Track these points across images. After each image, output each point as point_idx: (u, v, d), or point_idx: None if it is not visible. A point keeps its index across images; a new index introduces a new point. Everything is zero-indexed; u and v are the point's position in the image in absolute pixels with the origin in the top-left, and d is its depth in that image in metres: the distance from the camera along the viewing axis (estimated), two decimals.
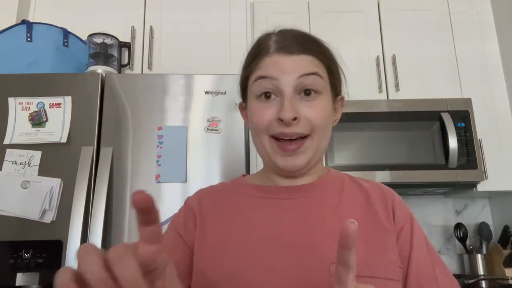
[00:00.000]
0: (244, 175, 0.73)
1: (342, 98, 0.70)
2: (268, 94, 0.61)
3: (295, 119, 0.58)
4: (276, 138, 0.61)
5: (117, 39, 1.82)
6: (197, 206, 0.66)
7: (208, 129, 1.48)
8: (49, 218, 1.34)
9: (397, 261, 0.60)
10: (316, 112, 0.60)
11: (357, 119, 1.77)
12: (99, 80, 1.50)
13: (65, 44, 1.75)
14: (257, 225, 0.60)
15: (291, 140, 0.60)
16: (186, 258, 0.61)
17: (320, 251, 0.56)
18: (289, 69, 0.60)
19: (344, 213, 0.61)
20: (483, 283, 1.77)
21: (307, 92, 0.60)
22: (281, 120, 0.58)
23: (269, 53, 0.62)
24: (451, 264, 2.07)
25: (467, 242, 1.97)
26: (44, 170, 1.38)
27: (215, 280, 0.56)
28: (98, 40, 1.78)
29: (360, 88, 1.92)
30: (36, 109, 1.45)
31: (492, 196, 2.08)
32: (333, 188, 0.66)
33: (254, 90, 0.62)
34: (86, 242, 1.32)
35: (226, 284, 0.56)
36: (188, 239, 0.62)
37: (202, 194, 0.69)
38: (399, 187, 1.87)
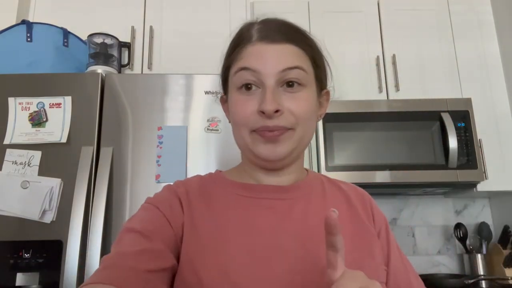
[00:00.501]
0: (220, 171, 0.70)
1: (328, 92, 0.67)
2: (249, 86, 0.58)
3: (277, 111, 0.55)
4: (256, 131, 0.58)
5: (117, 39, 1.82)
6: (184, 195, 0.61)
7: (208, 129, 1.48)
8: (49, 218, 1.34)
9: (382, 263, 0.60)
10: (299, 104, 0.58)
11: (357, 119, 1.77)
12: (99, 80, 1.50)
13: (65, 44, 1.75)
14: (253, 229, 0.57)
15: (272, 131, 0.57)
16: (172, 240, 0.56)
17: (317, 256, 0.54)
18: (271, 60, 0.57)
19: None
20: (483, 283, 1.77)
21: (289, 84, 0.58)
22: (262, 112, 0.55)
23: (251, 42, 0.59)
24: (451, 264, 2.07)
25: (467, 242, 1.97)
26: (44, 170, 1.38)
27: (209, 282, 0.53)
28: (98, 40, 1.78)
29: (360, 88, 1.92)
30: (36, 109, 1.45)
31: (492, 196, 2.08)
32: (316, 189, 0.64)
33: (235, 81, 0.60)
34: (86, 242, 1.32)
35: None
36: (174, 223, 0.57)
37: (187, 185, 0.64)
38: (399, 187, 1.87)
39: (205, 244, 0.56)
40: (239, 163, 0.69)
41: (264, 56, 0.58)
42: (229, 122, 0.66)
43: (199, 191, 0.63)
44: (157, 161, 1.43)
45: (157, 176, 1.42)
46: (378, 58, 1.95)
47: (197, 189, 0.63)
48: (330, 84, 0.68)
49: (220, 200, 0.61)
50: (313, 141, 1.80)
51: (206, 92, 1.51)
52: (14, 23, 1.79)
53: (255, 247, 0.55)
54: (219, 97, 0.70)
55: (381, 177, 1.72)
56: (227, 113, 0.67)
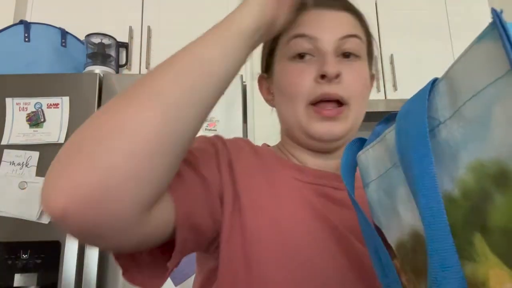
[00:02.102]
0: (268, 145, 0.63)
1: (373, 76, 0.63)
2: (302, 55, 0.54)
3: (337, 76, 0.51)
4: (313, 105, 0.53)
5: (114, 39, 1.82)
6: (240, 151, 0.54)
7: (206, 129, 1.48)
8: (47, 219, 1.33)
9: None
10: (356, 76, 0.54)
11: None
12: (96, 80, 1.49)
13: (63, 44, 1.75)
14: (312, 215, 0.51)
15: (329, 104, 0.53)
16: (213, 193, 0.48)
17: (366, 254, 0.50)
18: (330, 27, 0.54)
19: None
20: None
21: (346, 54, 0.54)
22: (323, 76, 0.51)
23: (307, 8, 0.55)
24: None
25: None
26: (42, 170, 1.38)
27: (266, 256, 0.47)
28: (96, 40, 1.78)
29: None
30: (34, 110, 1.45)
31: None
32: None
33: (288, 50, 0.55)
34: (84, 243, 1.32)
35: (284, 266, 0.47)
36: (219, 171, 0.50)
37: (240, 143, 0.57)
38: None
39: (262, 217, 0.49)
40: (278, 143, 0.63)
41: (322, 22, 0.54)
42: (270, 103, 0.61)
43: (255, 155, 0.56)
44: None
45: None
46: (376, 57, 1.95)
47: (252, 151, 0.56)
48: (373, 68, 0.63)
49: (276, 174, 0.54)
50: None
51: None
52: (11, 23, 1.78)
53: (316, 232, 0.49)
54: (257, 77, 0.64)
55: None
56: (266, 93, 0.62)
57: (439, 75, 0.29)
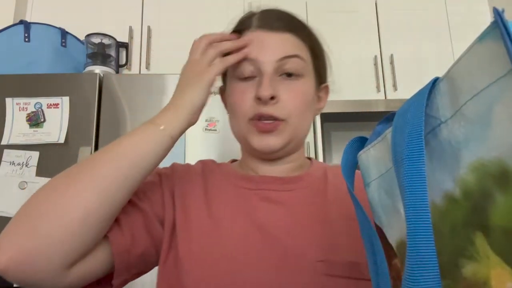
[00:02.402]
0: (233, 161, 0.69)
1: (327, 87, 0.67)
2: (248, 75, 0.58)
3: (272, 98, 0.55)
4: (252, 120, 0.58)
5: (114, 39, 1.82)
6: (201, 176, 0.62)
7: (206, 129, 1.48)
8: None
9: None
10: (295, 95, 0.57)
11: (355, 119, 1.78)
12: (96, 80, 1.49)
13: (63, 44, 1.75)
14: (248, 220, 0.56)
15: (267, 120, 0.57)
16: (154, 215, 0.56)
17: (307, 249, 0.53)
18: (270, 49, 0.57)
19: (329, 210, 0.57)
20: None
21: (287, 74, 0.58)
22: (259, 99, 0.55)
23: (250, 29, 0.60)
24: None
25: None
26: (42, 170, 1.38)
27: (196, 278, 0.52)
28: (96, 40, 1.78)
29: (358, 87, 1.92)
30: (34, 110, 1.45)
31: None
32: (317, 182, 0.62)
33: (234, 70, 0.59)
34: None
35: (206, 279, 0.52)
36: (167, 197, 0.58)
37: (189, 166, 0.65)
38: None
39: (195, 229, 0.55)
40: (242, 155, 0.68)
41: (262, 44, 0.58)
42: (228, 113, 0.66)
43: (201, 174, 0.63)
44: None
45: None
46: (375, 57, 1.95)
47: (200, 171, 0.63)
48: (330, 79, 0.67)
49: (218, 188, 0.61)
50: (311, 141, 1.81)
51: None
52: (11, 23, 1.78)
53: (248, 238, 0.54)
54: (218, 88, 0.69)
55: None
56: (226, 104, 0.67)
57: (439, 75, 0.29)
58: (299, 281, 0.50)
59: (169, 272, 0.54)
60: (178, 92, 0.56)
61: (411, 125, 0.27)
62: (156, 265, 0.57)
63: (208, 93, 0.56)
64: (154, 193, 0.58)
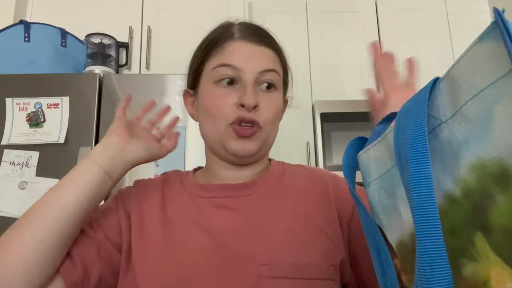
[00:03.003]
0: (195, 170, 0.71)
1: (286, 101, 0.71)
2: (230, 81, 0.60)
3: (255, 107, 0.59)
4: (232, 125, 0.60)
5: (114, 39, 1.82)
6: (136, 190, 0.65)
7: None
8: None
9: (331, 259, 0.56)
10: (270, 106, 0.61)
11: (355, 119, 1.77)
12: (96, 80, 1.49)
13: (63, 44, 1.75)
14: (202, 229, 0.58)
15: (246, 125, 0.60)
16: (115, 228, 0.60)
17: (252, 252, 0.54)
18: (253, 60, 0.60)
19: (278, 213, 0.59)
20: None
21: (265, 85, 0.61)
22: (242, 105, 0.58)
23: (234, 39, 0.62)
24: None
25: None
26: (42, 170, 1.38)
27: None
28: (96, 40, 1.78)
29: (358, 87, 1.92)
30: (34, 110, 1.45)
31: None
32: (271, 184, 0.63)
33: (214, 75, 0.61)
34: None
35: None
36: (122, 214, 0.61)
37: (147, 182, 0.69)
38: None
39: (149, 246, 0.57)
40: (206, 162, 0.70)
41: (246, 55, 0.61)
42: (193, 117, 0.69)
43: (161, 189, 0.65)
44: (155, 162, 1.43)
45: (155, 177, 1.41)
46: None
47: (159, 186, 0.66)
48: (289, 94, 0.71)
49: (174, 199, 0.63)
50: (311, 141, 1.81)
51: None
52: (11, 23, 1.78)
53: (204, 248, 0.55)
54: (183, 91, 0.71)
55: None
56: (190, 107, 0.69)
57: (439, 75, 0.29)
58: (243, 285, 0.52)
59: None
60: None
61: (414, 125, 0.27)
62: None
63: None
64: (109, 219, 0.60)
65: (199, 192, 0.63)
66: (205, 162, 0.69)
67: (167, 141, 0.68)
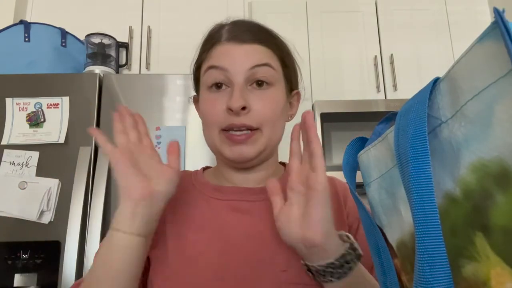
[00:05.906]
0: (205, 168, 0.70)
1: (298, 93, 0.67)
2: (219, 85, 0.58)
3: (244, 108, 0.56)
4: (225, 130, 0.58)
5: (114, 39, 1.82)
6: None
7: None
8: (47, 219, 1.33)
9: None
10: (266, 104, 0.58)
11: (355, 119, 1.78)
12: (96, 80, 1.49)
13: (63, 44, 1.75)
14: (216, 231, 0.57)
15: (240, 131, 0.57)
16: None
17: (271, 258, 0.54)
18: (240, 59, 0.58)
19: None
20: None
21: (259, 83, 0.58)
22: (230, 109, 0.56)
23: (220, 42, 0.60)
24: None
25: None
26: (42, 170, 1.38)
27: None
28: (96, 40, 1.78)
29: (358, 87, 1.92)
30: (34, 110, 1.45)
31: None
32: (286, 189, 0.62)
33: (205, 80, 0.60)
34: (84, 242, 1.32)
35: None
36: None
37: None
38: None
39: (165, 244, 0.57)
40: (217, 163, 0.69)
41: (232, 55, 0.59)
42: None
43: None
44: None
45: None
46: (376, 57, 1.95)
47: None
48: (301, 86, 0.68)
49: (187, 199, 0.62)
50: None
51: None
52: (11, 23, 1.78)
53: (220, 251, 0.55)
54: (192, 97, 0.70)
55: None
56: (200, 112, 0.67)
57: (439, 75, 0.29)
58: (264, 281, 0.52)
59: None
60: None
61: (414, 126, 0.27)
62: None
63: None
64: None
65: (213, 194, 0.62)
66: (205, 162, 0.69)
67: (168, 155, 0.60)
